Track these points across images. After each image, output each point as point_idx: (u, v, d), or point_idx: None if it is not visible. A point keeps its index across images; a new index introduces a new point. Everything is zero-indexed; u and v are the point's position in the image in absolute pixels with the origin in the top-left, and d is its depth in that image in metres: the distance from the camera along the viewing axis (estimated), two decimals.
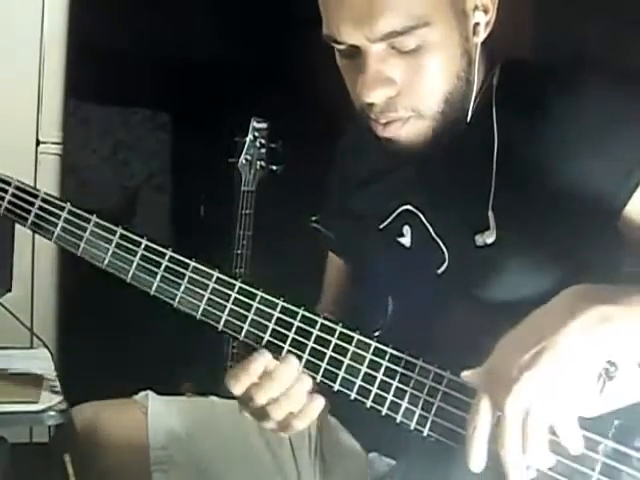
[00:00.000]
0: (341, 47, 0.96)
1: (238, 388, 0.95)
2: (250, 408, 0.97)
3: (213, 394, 1.41)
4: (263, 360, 0.95)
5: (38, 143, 2.20)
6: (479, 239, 0.99)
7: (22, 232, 1.79)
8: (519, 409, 0.77)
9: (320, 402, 0.95)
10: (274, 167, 2.47)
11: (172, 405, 1.27)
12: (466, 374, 0.86)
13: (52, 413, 1.27)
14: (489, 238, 0.98)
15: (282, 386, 0.94)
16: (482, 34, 0.98)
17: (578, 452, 0.80)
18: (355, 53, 0.95)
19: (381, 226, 1.09)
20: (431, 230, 1.04)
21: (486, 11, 0.97)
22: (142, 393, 1.28)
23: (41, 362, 1.61)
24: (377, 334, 0.96)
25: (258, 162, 2.45)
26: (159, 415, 1.24)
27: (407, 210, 1.07)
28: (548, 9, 2.05)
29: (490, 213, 0.98)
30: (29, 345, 1.88)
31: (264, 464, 1.23)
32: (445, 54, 0.95)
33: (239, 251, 2.38)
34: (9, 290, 1.67)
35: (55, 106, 2.23)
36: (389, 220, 1.07)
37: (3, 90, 2.09)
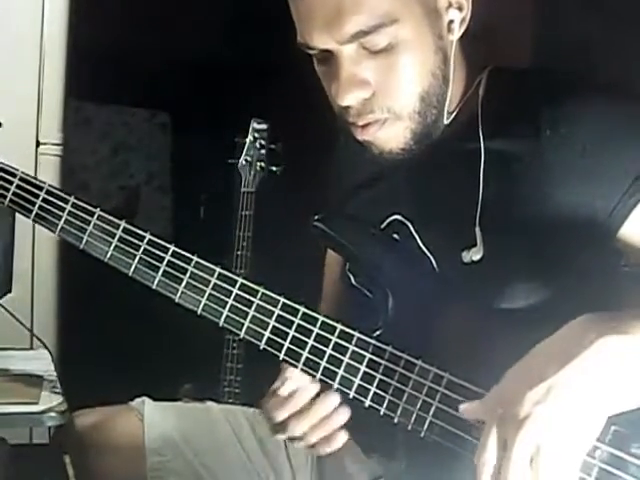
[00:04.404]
0: (314, 52, 0.96)
1: (279, 416, 1.01)
2: (276, 427, 1.02)
3: (211, 399, 1.41)
4: (306, 394, 0.99)
5: (38, 144, 2.19)
6: (466, 256, 0.97)
7: (22, 233, 1.80)
8: (530, 444, 0.75)
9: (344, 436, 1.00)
10: (274, 168, 2.47)
11: (168, 411, 1.27)
12: (464, 407, 0.84)
13: (52, 414, 1.27)
14: (476, 255, 0.96)
15: (317, 419, 0.99)
16: (457, 32, 0.97)
17: None
18: (329, 58, 0.95)
19: (377, 230, 1.08)
20: (419, 242, 1.02)
21: (460, 8, 0.96)
22: (138, 399, 1.28)
23: (41, 363, 1.62)
24: (377, 334, 0.96)
25: (258, 163, 2.45)
26: (155, 421, 1.24)
27: (397, 220, 1.05)
28: (549, 14, 2.03)
29: (477, 229, 0.97)
30: (29, 346, 1.88)
31: (260, 469, 1.23)
32: (418, 51, 0.94)
33: (239, 252, 2.38)
34: (9, 291, 1.68)
35: (55, 107, 2.22)
36: (381, 227, 1.06)
37: (3, 91, 2.09)
